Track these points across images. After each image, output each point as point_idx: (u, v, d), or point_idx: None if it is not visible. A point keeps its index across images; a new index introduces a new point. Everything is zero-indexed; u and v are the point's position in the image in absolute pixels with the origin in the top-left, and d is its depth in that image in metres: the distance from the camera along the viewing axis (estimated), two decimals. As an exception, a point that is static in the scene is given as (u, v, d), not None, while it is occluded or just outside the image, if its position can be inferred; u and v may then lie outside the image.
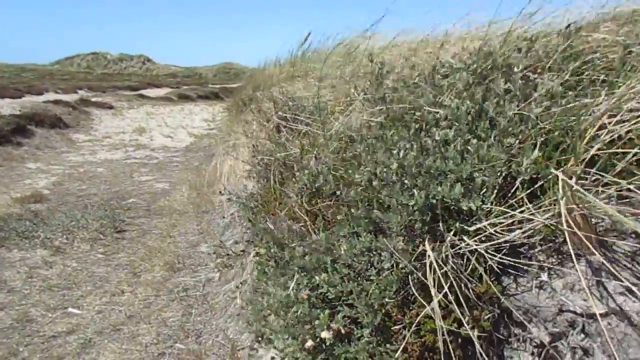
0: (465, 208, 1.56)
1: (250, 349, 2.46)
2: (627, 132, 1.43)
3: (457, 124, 1.82)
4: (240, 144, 5.36)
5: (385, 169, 1.68)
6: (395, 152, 1.69)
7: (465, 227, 1.62)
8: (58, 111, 15.73)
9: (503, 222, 1.57)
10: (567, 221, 1.39)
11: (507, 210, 1.57)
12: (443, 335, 1.64)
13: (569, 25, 2.23)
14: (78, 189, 8.29)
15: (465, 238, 1.62)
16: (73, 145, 13.34)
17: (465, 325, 1.63)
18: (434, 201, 1.58)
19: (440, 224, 1.63)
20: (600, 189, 1.40)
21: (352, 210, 1.94)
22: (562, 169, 1.39)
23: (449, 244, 1.63)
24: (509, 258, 1.58)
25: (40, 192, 7.85)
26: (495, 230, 1.57)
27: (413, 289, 1.66)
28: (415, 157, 1.64)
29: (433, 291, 1.58)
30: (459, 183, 1.56)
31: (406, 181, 1.64)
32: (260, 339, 2.16)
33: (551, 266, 1.54)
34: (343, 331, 1.84)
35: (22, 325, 3.75)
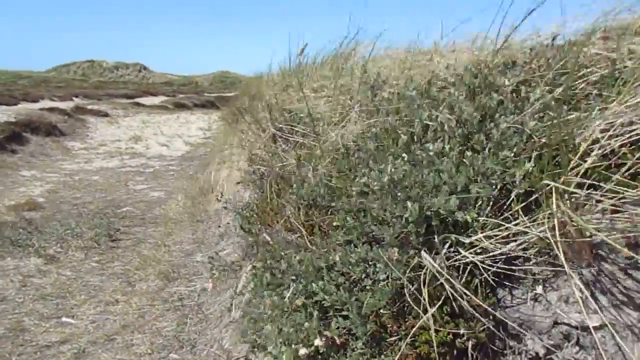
0: (460, 219, 1.57)
1: (245, 359, 2.46)
2: (621, 146, 1.45)
3: (451, 136, 1.84)
4: (236, 153, 5.37)
5: (376, 183, 1.69)
6: (386, 165, 1.70)
7: (461, 239, 1.63)
8: (53, 119, 15.71)
9: (498, 235, 1.58)
10: (561, 234, 1.41)
11: (502, 222, 1.58)
12: (438, 347, 1.64)
13: (554, 38, 2.26)
14: (73, 197, 8.26)
15: (460, 250, 1.63)
16: (68, 153, 13.31)
17: (460, 336, 1.64)
18: (429, 213, 1.59)
19: (436, 236, 1.64)
20: (593, 202, 1.41)
21: (347, 218, 1.95)
22: (555, 182, 1.41)
23: (444, 256, 1.64)
24: (504, 270, 1.60)
25: (35, 200, 7.82)
26: (490, 243, 1.58)
27: (409, 300, 1.67)
28: (408, 170, 1.65)
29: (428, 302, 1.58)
30: (454, 195, 1.58)
31: (399, 194, 1.65)
32: (255, 348, 2.16)
33: (546, 278, 1.56)
34: (339, 341, 1.84)
35: (15, 335, 3.72)
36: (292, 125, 3.26)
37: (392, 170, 1.62)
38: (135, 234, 6.30)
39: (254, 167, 3.34)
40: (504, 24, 2.33)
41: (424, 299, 1.62)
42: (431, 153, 1.68)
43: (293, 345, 1.84)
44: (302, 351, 1.83)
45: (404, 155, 1.70)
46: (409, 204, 1.56)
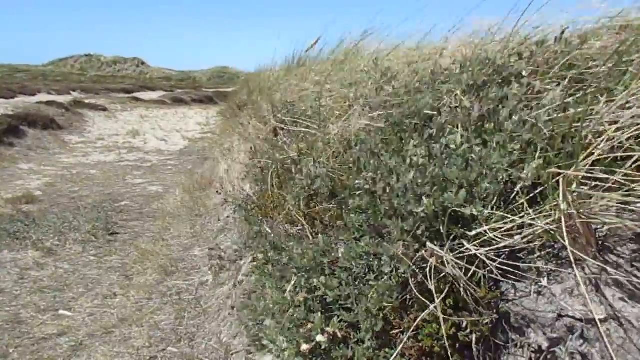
0: (467, 213, 1.56)
1: (247, 353, 2.45)
2: (628, 138, 1.44)
3: (463, 129, 1.83)
4: (236, 147, 5.35)
5: (397, 176, 1.68)
6: (410, 159, 1.68)
7: (466, 232, 1.62)
8: (51, 112, 15.64)
9: (503, 227, 1.57)
10: (566, 227, 1.40)
11: (507, 215, 1.57)
12: (441, 340, 1.64)
13: (563, 31, 2.25)
14: (70, 191, 8.23)
15: (464, 243, 1.62)
16: (66, 146, 13.26)
17: (463, 330, 1.63)
18: (439, 208, 1.58)
19: (442, 229, 1.63)
20: (600, 195, 1.40)
21: (353, 216, 1.93)
22: (563, 174, 1.40)
23: (448, 249, 1.63)
24: (508, 263, 1.59)
25: (32, 193, 7.78)
26: (495, 235, 1.57)
27: (412, 293, 1.66)
28: (428, 167, 1.64)
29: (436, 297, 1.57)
30: (463, 189, 1.57)
31: (416, 188, 1.64)
32: (255, 342, 2.15)
33: (550, 271, 1.55)
34: (340, 335, 1.83)
35: (12, 327, 3.70)
36: (294, 118, 3.24)
37: (419, 163, 1.60)
38: (133, 228, 6.28)
39: (255, 160, 3.32)
40: (512, 19, 2.32)
41: (428, 292, 1.61)
42: (452, 146, 1.67)
43: (295, 341, 1.83)
44: (304, 347, 1.82)
45: (427, 148, 1.69)
46: (424, 199, 1.55)
